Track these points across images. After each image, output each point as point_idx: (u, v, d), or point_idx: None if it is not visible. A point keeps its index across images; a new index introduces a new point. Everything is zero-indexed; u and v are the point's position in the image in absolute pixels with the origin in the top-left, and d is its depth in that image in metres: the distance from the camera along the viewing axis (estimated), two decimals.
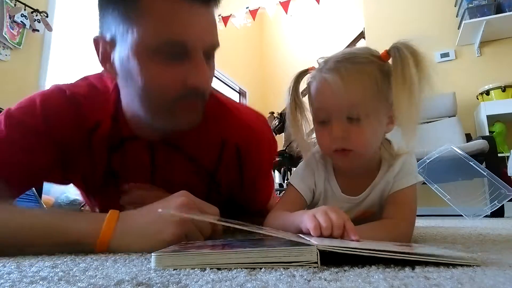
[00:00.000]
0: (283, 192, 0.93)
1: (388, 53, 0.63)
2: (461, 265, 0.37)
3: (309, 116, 0.70)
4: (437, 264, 0.36)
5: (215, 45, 0.63)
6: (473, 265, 0.37)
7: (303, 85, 0.71)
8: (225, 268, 0.36)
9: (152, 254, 0.38)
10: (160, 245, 0.47)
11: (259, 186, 0.85)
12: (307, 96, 0.70)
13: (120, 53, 0.61)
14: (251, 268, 0.35)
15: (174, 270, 0.36)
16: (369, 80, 0.61)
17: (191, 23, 0.58)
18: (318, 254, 0.36)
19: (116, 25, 0.60)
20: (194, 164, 0.74)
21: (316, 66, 0.69)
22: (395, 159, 0.68)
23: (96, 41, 0.64)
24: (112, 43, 0.62)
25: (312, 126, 0.70)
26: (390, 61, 0.63)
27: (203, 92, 0.63)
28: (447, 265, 0.36)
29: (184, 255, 0.38)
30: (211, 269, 0.35)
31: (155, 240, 0.51)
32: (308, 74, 0.70)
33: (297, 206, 0.71)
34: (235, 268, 0.35)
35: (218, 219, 0.54)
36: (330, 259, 0.37)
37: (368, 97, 0.60)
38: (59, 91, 0.68)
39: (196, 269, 0.35)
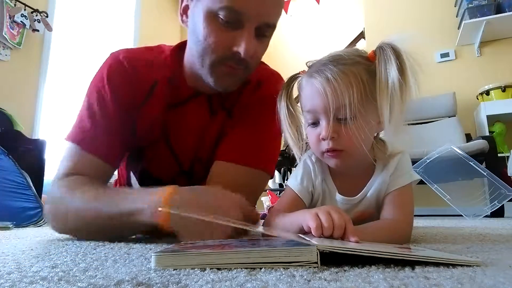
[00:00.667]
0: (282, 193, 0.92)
1: (374, 53, 0.64)
2: (461, 265, 0.37)
3: (301, 120, 0.71)
4: (437, 264, 0.36)
5: (271, 24, 0.70)
6: (473, 265, 0.37)
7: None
8: (225, 268, 0.36)
9: (152, 254, 0.38)
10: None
11: (254, 133, 0.82)
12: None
13: (195, 8, 0.71)
14: (251, 268, 0.35)
15: (174, 270, 0.36)
16: (355, 81, 0.61)
17: None
18: (318, 254, 0.36)
19: None
20: (228, 114, 0.83)
21: (297, 63, 0.70)
22: (390, 158, 0.69)
23: None
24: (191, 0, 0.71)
25: (304, 130, 0.71)
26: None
27: (246, 62, 0.70)
28: (447, 265, 0.36)
29: (184, 255, 0.38)
30: (211, 269, 0.35)
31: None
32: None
33: (296, 208, 0.70)
34: (235, 268, 0.35)
35: (229, 220, 0.54)
36: (330, 259, 0.37)
37: (354, 98, 0.60)
38: (115, 57, 0.80)
39: (196, 269, 0.35)
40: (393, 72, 0.59)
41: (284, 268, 0.35)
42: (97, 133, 0.75)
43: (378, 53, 0.62)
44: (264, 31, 0.70)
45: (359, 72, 0.62)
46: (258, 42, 0.70)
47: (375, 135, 0.69)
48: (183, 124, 0.82)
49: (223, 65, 0.71)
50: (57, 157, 0.81)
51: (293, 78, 0.72)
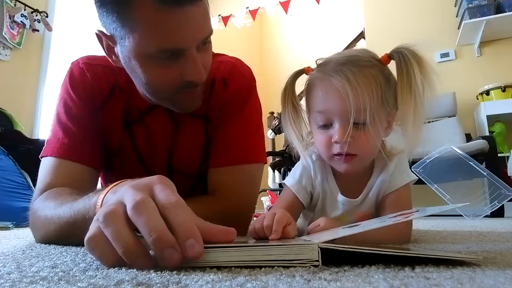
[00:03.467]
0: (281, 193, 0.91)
1: (389, 57, 0.63)
2: (461, 265, 0.37)
3: (305, 118, 0.69)
4: (437, 264, 0.36)
5: (208, 35, 0.66)
6: (473, 265, 0.37)
7: (298, 87, 0.70)
8: (226, 267, 0.35)
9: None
10: None
11: (236, 131, 0.79)
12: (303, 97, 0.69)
13: (122, 52, 0.65)
14: (251, 268, 0.35)
15: (173, 270, 0.35)
16: (375, 84, 0.60)
17: (182, 26, 0.60)
18: (320, 252, 0.35)
19: (114, 27, 0.62)
20: (201, 121, 0.81)
21: (313, 66, 0.68)
22: (389, 158, 0.68)
23: (99, 36, 0.68)
24: (113, 39, 0.65)
25: (308, 128, 0.69)
26: (390, 64, 0.63)
27: (200, 82, 0.68)
28: (447, 265, 0.36)
29: None
30: (211, 268, 0.35)
31: None
32: (306, 76, 0.69)
33: (293, 208, 0.70)
34: (235, 268, 0.35)
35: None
36: (330, 259, 0.37)
37: (374, 102, 0.59)
38: (75, 64, 0.79)
39: (196, 269, 0.35)
40: (417, 78, 0.58)
41: (284, 267, 0.35)
42: (72, 140, 0.74)
43: (398, 58, 0.61)
44: (204, 43, 0.66)
45: (378, 75, 0.61)
46: (203, 55, 0.66)
47: None
48: (150, 137, 0.80)
49: (180, 93, 0.68)
50: None
51: (298, 74, 0.69)
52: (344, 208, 0.70)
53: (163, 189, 0.39)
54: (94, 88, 0.77)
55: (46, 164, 0.73)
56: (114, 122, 0.79)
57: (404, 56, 0.60)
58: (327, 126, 0.63)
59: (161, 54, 0.62)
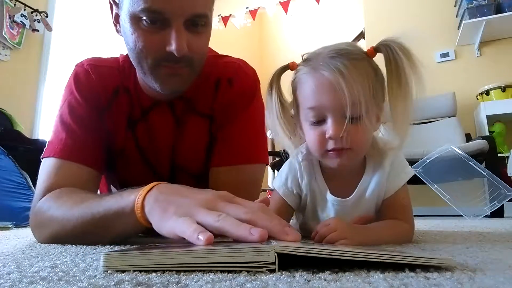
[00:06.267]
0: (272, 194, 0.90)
1: (375, 50, 0.62)
2: (461, 265, 0.37)
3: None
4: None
5: (199, 14, 0.66)
6: (473, 265, 0.37)
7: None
8: (226, 268, 0.35)
9: (102, 253, 0.36)
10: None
11: (239, 131, 0.79)
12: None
13: (122, 17, 0.69)
14: (250, 268, 0.35)
15: (173, 270, 0.35)
16: (367, 79, 0.59)
17: None
18: (276, 255, 0.33)
19: None
20: (206, 119, 0.81)
21: (298, 61, 0.66)
22: (382, 156, 0.66)
23: (110, 4, 0.74)
24: (117, 6, 0.70)
25: (297, 125, 0.67)
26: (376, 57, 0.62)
27: (186, 59, 0.67)
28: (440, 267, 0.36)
29: (133, 255, 0.36)
30: (210, 269, 0.35)
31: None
32: (290, 71, 0.67)
33: (283, 210, 0.70)
34: (235, 268, 0.35)
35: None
36: (330, 260, 0.37)
37: (366, 95, 0.58)
38: (80, 66, 0.80)
39: (195, 269, 0.35)
40: (406, 70, 0.58)
41: (283, 269, 0.35)
42: (75, 141, 0.73)
43: (385, 51, 0.60)
44: (196, 22, 0.66)
45: (368, 69, 0.60)
46: (193, 35, 0.66)
47: None
48: (153, 134, 0.81)
49: (162, 67, 0.67)
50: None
51: (283, 70, 0.67)
52: (335, 208, 0.68)
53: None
54: (99, 89, 0.78)
55: (48, 165, 0.73)
56: (119, 123, 0.79)
57: (391, 49, 0.59)
58: (319, 122, 0.61)
59: (148, 14, 0.63)
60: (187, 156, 0.82)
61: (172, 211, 0.47)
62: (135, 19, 0.65)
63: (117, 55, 0.85)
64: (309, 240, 0.58)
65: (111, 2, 0.73)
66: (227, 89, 0.80)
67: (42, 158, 0.75)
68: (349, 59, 0.58)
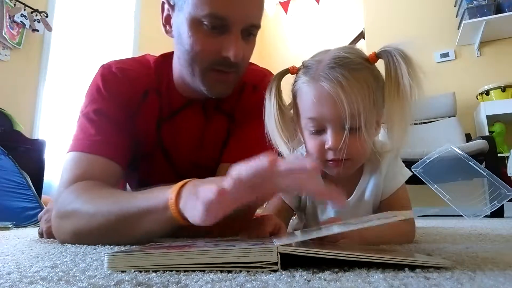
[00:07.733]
0: None
1: (377, 57, 0.61)
2: (461, 265, 0.37)
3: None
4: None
5: (255, 25, 0.70)
6: (473, 265, 0.37)
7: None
8: (225, 268, 0.35)
9: (106, 254, 0.37)
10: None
11: (253, 132, 0.79)
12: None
13: (177, 18, 0.71)
14: (250, 268, 0.35)
15: (173, 270, 0.35)
16: (367, 89, 0.58)
17: (235, 0, 0.65)
18: (279, 255, 0.33)
19: None
20: (227, 118, 0.84)
21: (298, 62, 0.66)
22: (380, 157, 0.67)
23: (162, 4, 0.75)
24: (173, 8, 0.72)
25: (296, 131, 0.67)
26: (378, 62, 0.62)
27: (236, 65, 0.70)
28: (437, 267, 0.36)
29: (137, 255, 0.36)
30: (211, 271, 0.35)
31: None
32: (291, 77, 0.66)
33: (282, 212, 0.71)
34: (235, 268, 0.35)
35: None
36: (330, 260, 0.37)
37: (366, 106, 0.58)
38: (107, 68, 0.81)
39: (195, 269, 0.35)
40: (405, 79, 0.57)
41: (284, 268, 0.35)
42: (102, 135, 0.75)
43: (386, 58, 0.60)
44: (250, 32, 0.70)
45: (369, 78, 0.59)
46: (245, 43, 0.70)
47: None
48: (179, 133, 0.82)
49: (214, 71, 0.71)
50: (56, 157, 0.80)
51: (283, 74, 0.68)
52: (335, 210, 0.69)
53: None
54: (129, 92, 0.79)
55: (75, 157, 0.73)
56: (149, 125, 0.81)
57: (392, 56, 0.59)
58: (319, 132, 0.61)
59: (211, 19, 0.65)
60: (207, 152, 0.84)
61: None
62: (196, 22, 0.67)
63: (121, 56, 0.86)
64: (309, 235, 0.58)
65: (165, 3, 0.74)
66: (250, 95, 0.84)
67: (68, 151, 0.75)
68: (349, 70, 0.58)
